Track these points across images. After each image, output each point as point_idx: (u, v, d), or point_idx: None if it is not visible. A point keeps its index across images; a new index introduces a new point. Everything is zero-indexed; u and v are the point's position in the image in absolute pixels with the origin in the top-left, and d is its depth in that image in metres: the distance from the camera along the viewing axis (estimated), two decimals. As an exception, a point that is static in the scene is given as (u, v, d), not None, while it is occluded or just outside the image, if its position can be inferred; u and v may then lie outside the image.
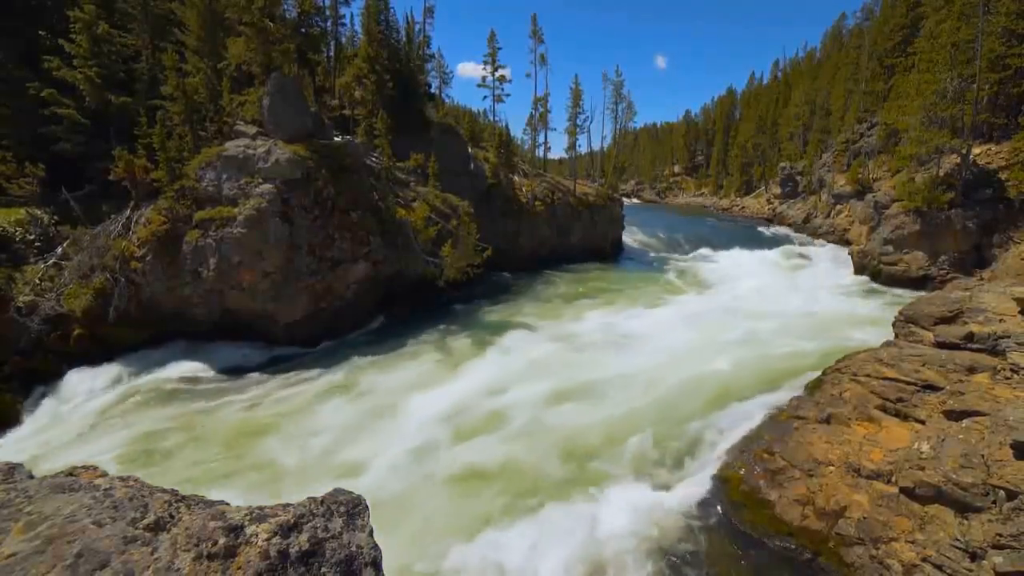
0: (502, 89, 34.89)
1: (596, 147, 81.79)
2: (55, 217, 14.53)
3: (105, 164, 14.68)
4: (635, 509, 8.18)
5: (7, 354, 11.68)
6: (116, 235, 14.16)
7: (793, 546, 7.46)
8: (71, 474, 2.60)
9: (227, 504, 2.65)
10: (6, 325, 11.77)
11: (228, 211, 14.19)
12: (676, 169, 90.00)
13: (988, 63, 24.37)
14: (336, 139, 18.40)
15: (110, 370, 12.97)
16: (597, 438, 10.34)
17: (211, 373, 13.53)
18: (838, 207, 39.85)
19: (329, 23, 27.21)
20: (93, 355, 13.07)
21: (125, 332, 13.82)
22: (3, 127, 15.10)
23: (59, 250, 13.89)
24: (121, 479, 2.63)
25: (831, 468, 8.09)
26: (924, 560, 6.23)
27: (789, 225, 45.48)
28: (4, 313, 11.83)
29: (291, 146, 15.52)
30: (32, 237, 13.88)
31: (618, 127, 48.46)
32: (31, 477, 2.54)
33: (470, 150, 27.58)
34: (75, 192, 15.13)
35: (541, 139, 61.03)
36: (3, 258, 12.96)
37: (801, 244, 36.18)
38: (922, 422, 8.21)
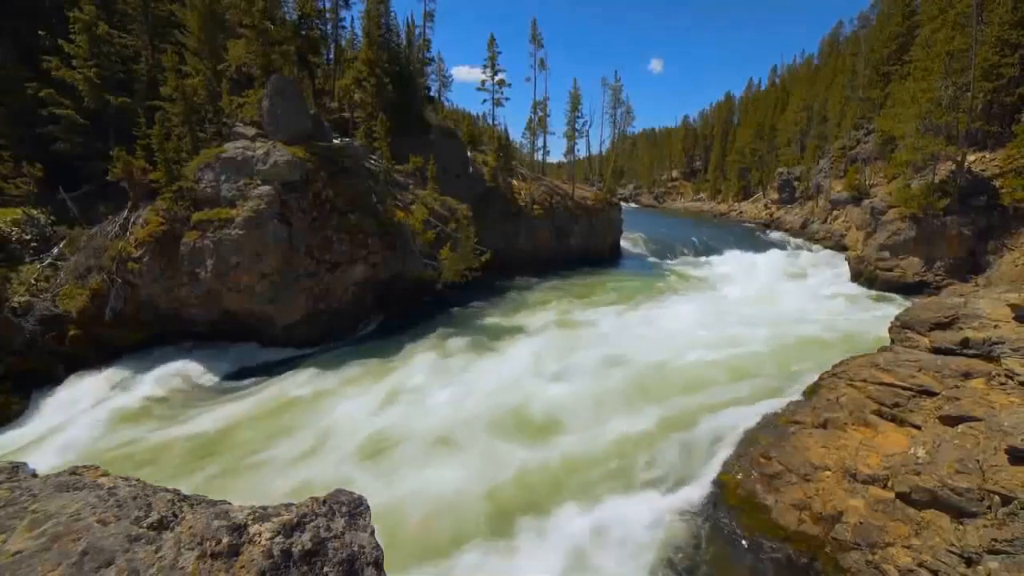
0: (501, 93, 35.01)
1: (595, 151, 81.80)
2: (52, 217, 14.48)
3: (103, 164, 14.65)
4: (633, 513, 8.19)
5: (2, 355, 11.60)
6: (113, 236, 14.11)
7: (790, 551, 7.47)
8: (75, 473, 2.59)
9: (230, 503, 2.65)
10: (1, 326, 11.70)
11: (226, 212, 14.17)
12: (674, 174, 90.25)
13: (982, 72, 24.62)
14: (335, 141, 18.43)
15: (107, 372, 12.91)
16: (597, 440, 10.33)
17: (209, 375, 13.48)
18: (835, 212, 40.05)
19: (329, 26, 27.30)
20: (89, 356, 13.00)
21: (122, 333, 13.77)
22: (1, 126, 15.06)
23: (55, 250, 13.84)
24: (124, 478, 2.63)
25: (828, 473, 8.12)
26: (920, 565, 6.26)
27: (787, 230, 45.61)
28: None
29: (290, 148, 15.54)
30: (29, 237, 13.83)
31: (617, 131, 48.61)
32: (35, 476, 2.53)
33: (469, 153, 27.65)
34: (72, 192, 15.09)
35: (540, 143, 61.27)
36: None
37: (798, 249, 36.34)
38: (918, 427, 8.26)
